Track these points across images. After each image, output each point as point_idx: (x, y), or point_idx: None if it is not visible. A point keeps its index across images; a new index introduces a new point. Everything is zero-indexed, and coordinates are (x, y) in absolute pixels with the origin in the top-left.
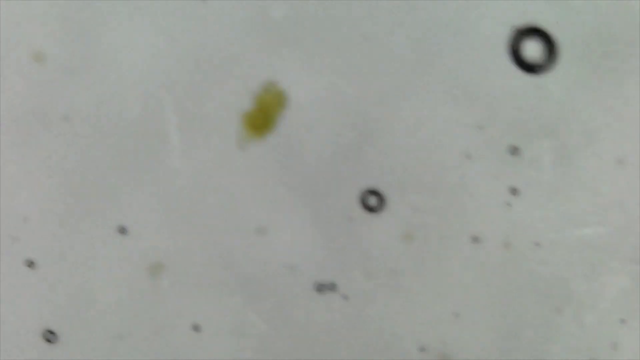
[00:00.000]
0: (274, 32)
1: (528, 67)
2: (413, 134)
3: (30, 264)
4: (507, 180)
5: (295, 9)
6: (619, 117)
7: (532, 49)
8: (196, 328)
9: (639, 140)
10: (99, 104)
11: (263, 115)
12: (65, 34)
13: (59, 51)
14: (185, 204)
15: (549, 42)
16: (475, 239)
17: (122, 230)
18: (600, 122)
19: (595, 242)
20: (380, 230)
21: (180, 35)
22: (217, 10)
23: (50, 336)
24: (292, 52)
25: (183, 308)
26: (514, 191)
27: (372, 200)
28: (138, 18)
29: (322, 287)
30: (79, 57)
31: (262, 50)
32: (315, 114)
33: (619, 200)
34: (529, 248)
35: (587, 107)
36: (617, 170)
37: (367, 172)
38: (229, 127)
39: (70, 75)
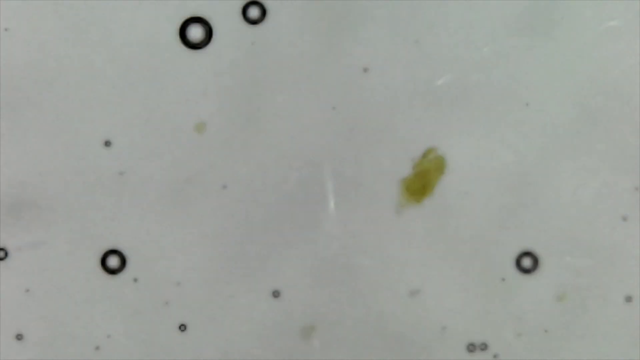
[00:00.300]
0: (433, 98)
1: None
2: (570, 197)
3: (183, 327)
4: None
5: (456, 76)
6: None
7: None
8: None
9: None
10: (257, 171)
11: (421, 181)
12: (224, 105)
13: (219, 121)
14: (339, 267)
15: None
16: (629, 299)
17: (276, 294)
18: None
19: None
20: (534, 291)
21: (341, 104)
22: (378, 77)
23: None
24: (452, 117)
25: None
26: None
27: (527, 262)
28: (296, 86)
29: (474, 347)
30: (238, 126)
31: (422, 116)
32: (473, 179)
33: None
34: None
35: None
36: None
37: (522, 234)
38: (387, 193)
39: (230, 143)
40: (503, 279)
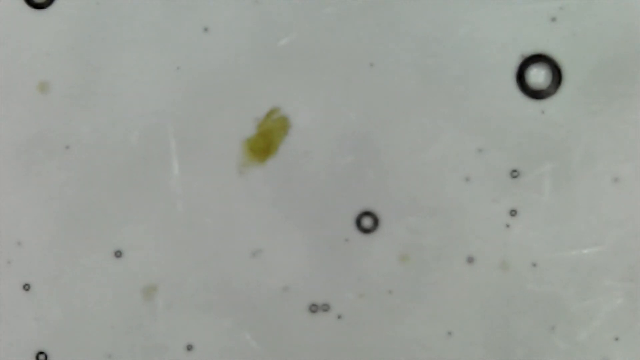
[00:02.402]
0: (277, 60)
1: (532, 93)
2: (413, 158)
3: (27, 286)
4: (506, 203)
5: (299, 37)
6: (619, 141)
7: (537, 75)
8: (189, 348)
9: (635, 161)
10: (101, 132)
11: (265, 141)
12: (68, 64)
13: (63, 81)
14: (182, 228)
15: (553, 68)
16: (471, 260)
17: (118, 254)
18: (600, 145)
19: (590, 261)
20: (375, 252)
21: (183, 64)
22: (221, 38)
23: (42, 357)
24: (296, 78)
25: (177, 329)
26: (513, 213)
27: (367, 222)
28: (141, 48)
29: (316, 308)
30: (82, 87)
31: (266, 76)
32: (316, 139)
33: (615, 220)
34: (525, 268)
35: (588, 130)
36: (614, 191)
37: (364, 195)
38: (230, 153)
39: (73, 105)
40: (346, 240)
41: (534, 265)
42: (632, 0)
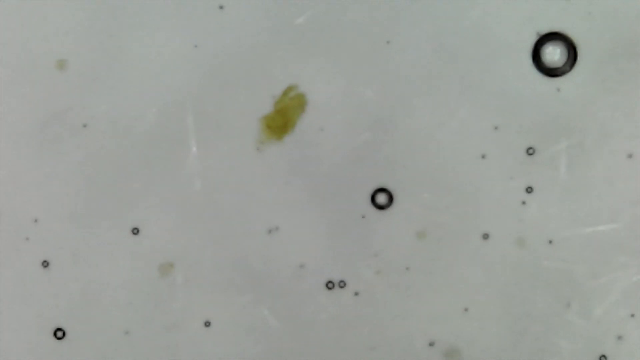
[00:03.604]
0: (293, 37)
1: (547, 70)
2: (429, 135)
3: (45, 263)
4: (522, 180)
5: (315, 14)
6: (634, 118)
7: (552, 53)
8: (207, 324)
9: None
10: (119, 110)
11: (282, 118)
12: (86, 42)
13: (80, 59)
14: (198, 205)
15: (569, 46)
16: (487, 236)
17: (135, 231)
18: (615, 122)
19: (606, 238)
20: (392, 228)
21: (200, 42)
22: (237, 16)
23: (59, 334)
24: (312, 55)
25: (194, 306)
26: (529, 190)
27: (382, 199)
28: (158, 26)
29: (333, 285)
30: (99, 65)
31: (283, 54)
32: (333, 116)
33: (631, 197)
34: (541, 245)
35: (603, 108)
36: (630, 168)
37: (380, 172)
38: (247, 131)
39: (91, 83)
40: (363, 216)
41: (550, 242)
42: None
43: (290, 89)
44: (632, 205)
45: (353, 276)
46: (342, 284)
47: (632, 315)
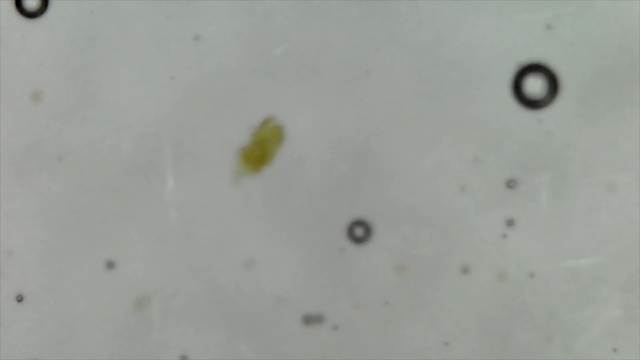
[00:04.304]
0: (271, 68)
1: (528, 102)
2: (409, 166)
3: (19, 297)
4: (503, 212)
5: (294, 45)
6: (616, 150)
7: (534, 85)
8: (184, 359)
9: (633, 171)
10: (94, 143)
11: (260, 150)
12: (62, 75)
13: (55, 91)
14: (175, 238)
15: (550, 78)
16: (467, 270)
17: (110, 265)
18: (598, 154)
19: (588, 272)
20: (371, 261)
21: (177, 73)
22: (213, 47)
23: None
24: (291, 86)
25: (171, 340)
26: (509, 223)
27: (362, 232)
28: (134, 57)
29: (311, 319)
30: (75, 97)
31: (260, 85)
32: (311, 148)
33: (613, 231)
34: (522, 278)
35: (585, 140)
36: (612, 201)
37: (359, 204)
38: (224, 163)
39: (66, 115)
40: (342, 250)
41: (531, 275)
42: (630, 8)
43: (268, 120)
44: (614, 238)
45: (331, 310)
46: (320, 318)
47: (615, 350)
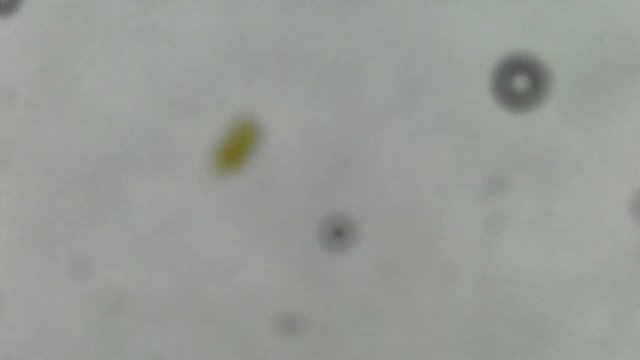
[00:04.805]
0: (251, 67)
1: (514, 102)
2: (391, 167)
3: None
4: (486, 214)
5: (274, 44)
6: (602, 151)
7: (519, 85)
8: None
9: (620, 173)
10: (66, 140)
11: (237, 150)
12: (34, 72)
13: (28, 89)
14: (149, 240)
15: (535, 78)
16: (450, 271)
17: (85, 268)
18: (584, 157)
19: (574, 275)
20: (352, 263)
21: (153, 71)
22: (193, 45)
23: None
24: (271, 87)
25: (146, 344)
26: (493, 224)
27: (343, 233)
28: (109, 54)
29: (291, 320)
30: (47, 95)
31: (239, 85)
32: (290, 147)
33: (599, 234)
34: (506, 280)
35: (571, 141)
36: (598, 204)
37: (339, 205)
38: (200, 163)
39: (37, 113)
40: (322, 251)
41: (514, 277)
42: (615, 8)
43: (245, 120)
44: (600, 242)
45: (311, 313)
46: (301, 321)
47: (602, 355)
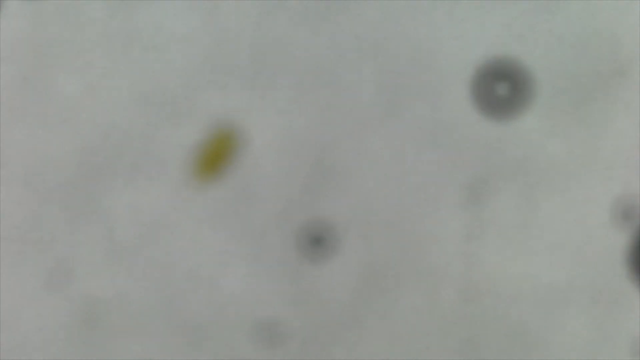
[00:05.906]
0: (230, 74)
1: (496, 108)
2: (371, 174)
3: None
4: (467, 221)
5: (254, 51)
6: (584, 160)
7: (500, 93)
8: None
9: (601, 179)
10: (43, 147)
11: (215, 156)
12: (11, 77)
13: (5, 94)
14: (126, 249)
15: (517, 84)
16: (431, 279)
17: (62, 276)
18: (566, 164)
19: (556, 282)
20: (334, 270)
21: (134, 78)
22: (171, 49)
23: None
24: (251, 93)
25: (124, 353)
26: (474, 231)
27: (324, 239)
28: (88, 61)
29: (270, 327)
30: (25, 101)
31: (218, 92)
32: (271, 154)
33: (581, 242)
34: (486, 288)
35: (552, 148)
36: (579, 211)
37: (320, 212)
38: (180, 169)
39: (18, 117)
40: (302, 258)
41: (496, 284)
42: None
43: (225, 127)
44: (581, 250)
45: (292, 321)
46: (281, 329)
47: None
